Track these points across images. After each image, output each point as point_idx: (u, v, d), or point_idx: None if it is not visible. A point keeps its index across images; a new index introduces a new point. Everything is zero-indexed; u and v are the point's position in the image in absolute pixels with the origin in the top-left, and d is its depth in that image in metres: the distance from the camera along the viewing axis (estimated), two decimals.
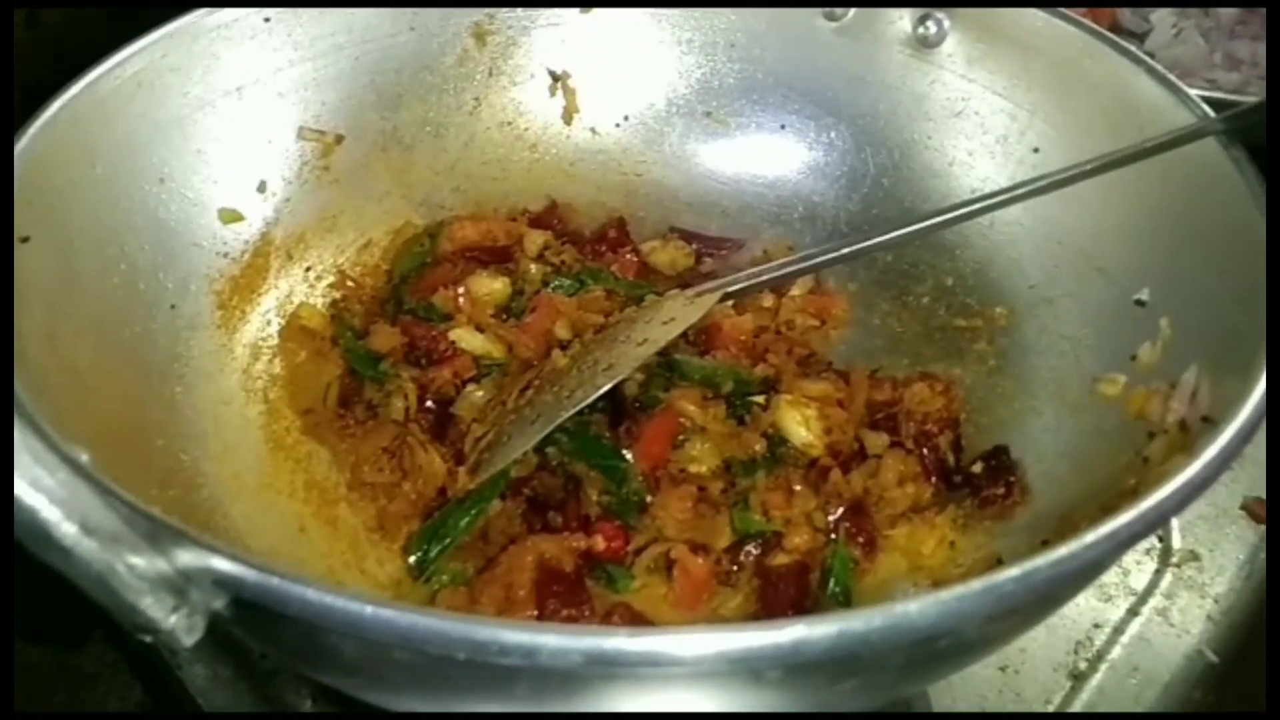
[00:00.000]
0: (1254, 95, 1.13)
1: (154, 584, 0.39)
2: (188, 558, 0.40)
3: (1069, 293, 0.79)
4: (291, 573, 0.40)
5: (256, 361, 0.81)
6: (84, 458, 0.49)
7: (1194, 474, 0.46)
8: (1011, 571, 0.40)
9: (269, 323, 0.83)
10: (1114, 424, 0.68)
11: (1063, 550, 0.41)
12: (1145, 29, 1.26)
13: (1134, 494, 0.57)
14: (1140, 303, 0.72)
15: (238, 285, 0.82)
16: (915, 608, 0.39)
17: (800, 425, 0.74)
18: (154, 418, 0.70)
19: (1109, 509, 0.57)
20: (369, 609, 0.39)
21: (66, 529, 0.37)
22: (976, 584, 0.40)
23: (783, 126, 0.94)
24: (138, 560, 0.39)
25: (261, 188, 0.84)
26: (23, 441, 0.38)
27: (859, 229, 0.90)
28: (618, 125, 0.95)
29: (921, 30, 0.87)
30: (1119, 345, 0.72)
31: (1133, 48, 0.75)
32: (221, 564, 0.40)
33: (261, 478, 0.74)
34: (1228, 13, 1.24)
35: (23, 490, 0.37)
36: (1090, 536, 0.42)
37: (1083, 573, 0.46)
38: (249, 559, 0.40)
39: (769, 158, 0.94)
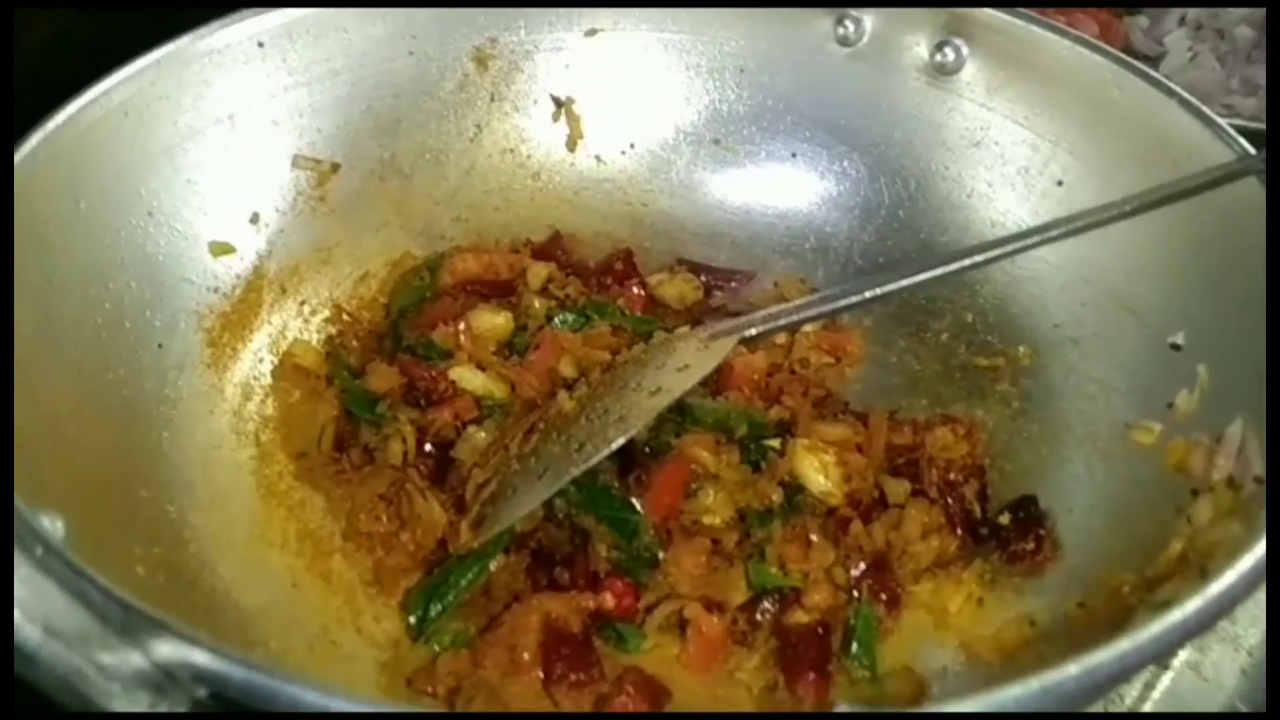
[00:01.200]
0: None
1: (128, 682, 0.36)
2: (166, 650, 0.37)
3: (1096, 333, 0.76)
4: (280, 670, 0.36)
5: (248, 402, 0.77)
6: (58, 524, 0.45)
7: (1263, 553, 0.43)
8: (1070, 669, 0.37)
9: (261, 361, 0.79)
10: (1150, 475, 0.65)
11: (1126, 643, 0.38)
12: (1159, 52, 1.23)
13: (1183, 561, 0.54)
14: (1175, 346, 0.68)
15: (229, 321, 0.78)
16: (972, 709, 0.35)
17: (818, 472, 0.70)
18: (138, 467, 0.67)
19: (1155, 579, 0.54)
20: (368, 711, 0.35)
21: (29, 633, 0.33)
22: (1034, 682, 0.36)
23: (794, 155, 0.90)
24: (110, 659, 0.35)
25: (254, 219, 0.81)
26: None
27: (873, 261, 0.87)
28: (623, 153, 0.92)
29: (939, 57, 0.84)
30: (1153, 391, 0.68)
31: (1164, 78, 0.72)
32: (203, 658, 0.37)
33: (252, 529, 0.70)
34: (1244, 36, 1.21)
35: None
36: (1157, 627, 0.39)
37: (1144, 663, 0.43)
38: (233, 654, 0.36)
39: (779, 187, 0.91)
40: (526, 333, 0.80)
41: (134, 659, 0.36)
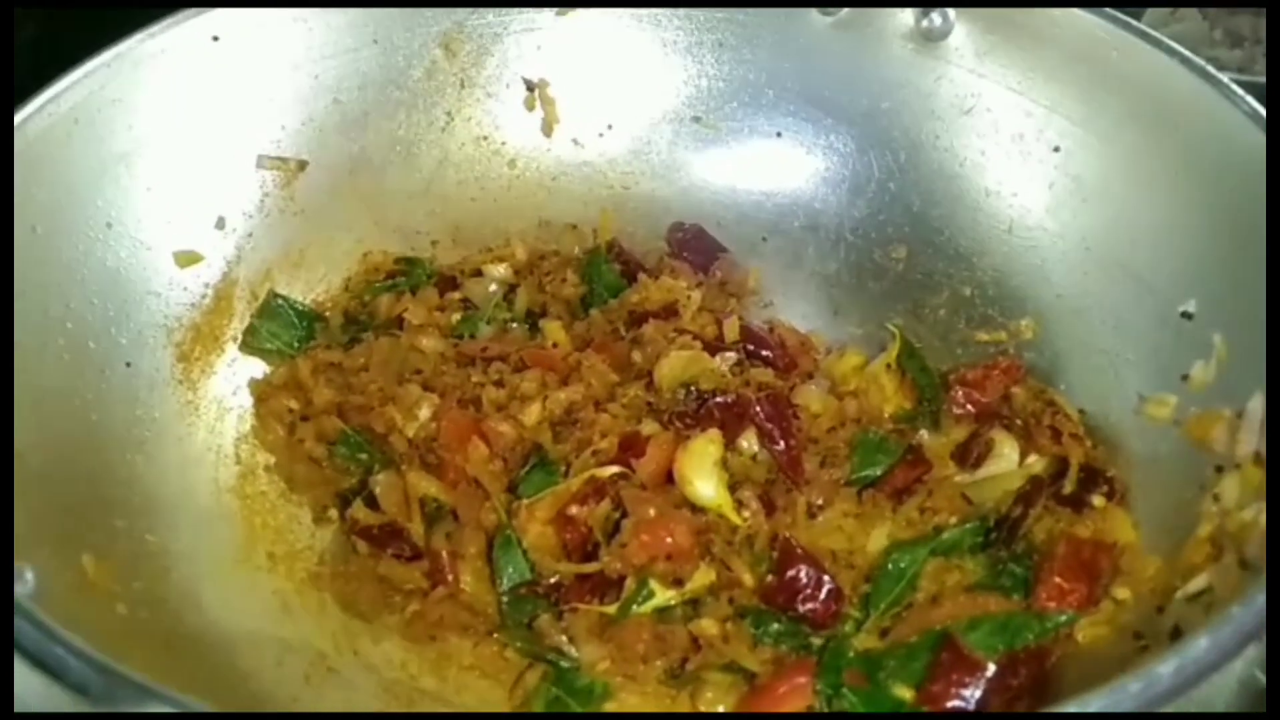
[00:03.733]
0: (1259, 73, 1.09)
1: None
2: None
3: (1101, 303, 0.73)
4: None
5: (225, 417, 0.74)
6: (28, 576, 0.42)
7: None
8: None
9: (236, 373, 0.76)
10: (1168, 450, 0.63)
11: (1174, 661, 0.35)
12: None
13: (1214, 545, 0.52)
14: (1187, 315, 0.66)
15: (200, 333, 0.75)
16: None
17: None
18: (113, 495, 0.64)
19: (1186, 566, 0.52)
20: None
21: None
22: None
23: (778, 132, 0.87)
24: None
25: (220, 224, 0.77)
26: None
27: (865, 236, 0.85)
28: (601, 135, 0.88)
29: (925, 23, 0.81)
30: (1166, 362, 0.66)
31: (1164, 38, 0.70)
32: None
33: (237, 552, 0.67)
34: None
35: None
36: (1205, 640, 0.36)
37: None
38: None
39: (765, 165, 0.87)
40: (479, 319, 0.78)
41: None
